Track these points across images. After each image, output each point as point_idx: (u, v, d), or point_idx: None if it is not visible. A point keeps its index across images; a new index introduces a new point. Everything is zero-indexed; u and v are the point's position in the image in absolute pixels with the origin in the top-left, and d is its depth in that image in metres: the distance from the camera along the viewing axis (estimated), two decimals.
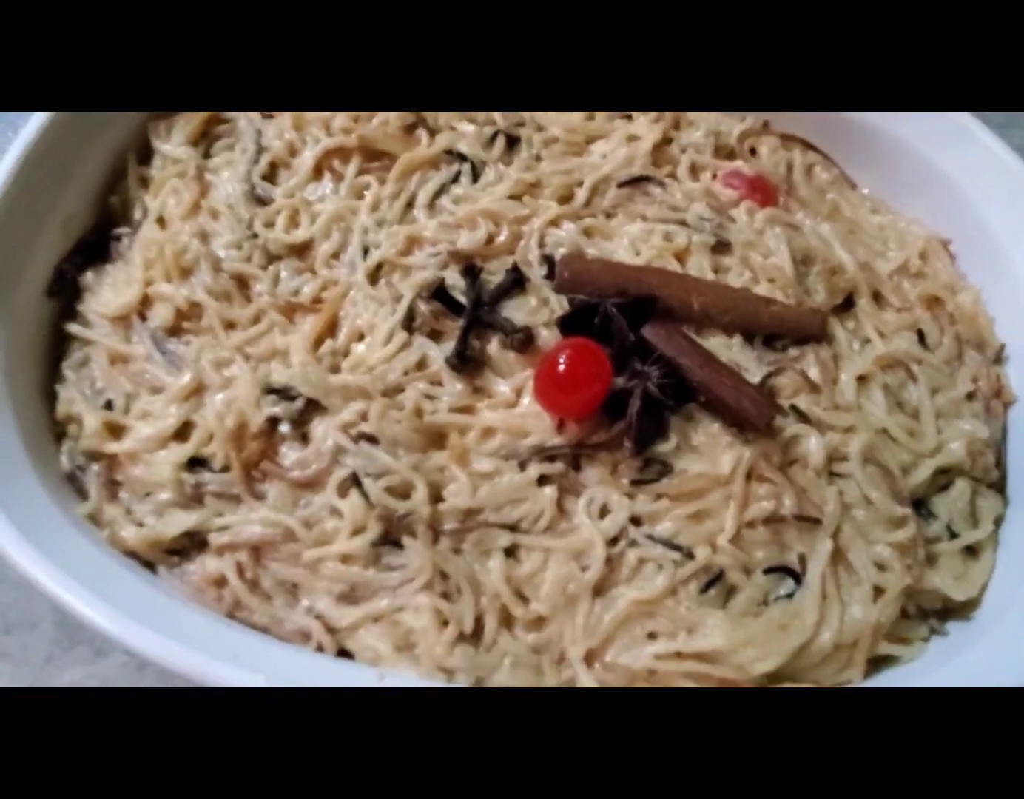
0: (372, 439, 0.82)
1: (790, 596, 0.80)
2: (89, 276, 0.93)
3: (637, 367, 0.85)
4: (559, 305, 0.89)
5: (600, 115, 1.09)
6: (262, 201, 0.98)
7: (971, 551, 0.86)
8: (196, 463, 0.83)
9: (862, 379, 0.91)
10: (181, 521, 0.80)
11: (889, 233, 1.04)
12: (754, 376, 0.88)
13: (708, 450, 0.84)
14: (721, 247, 0.97)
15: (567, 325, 0.87)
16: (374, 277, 0.93)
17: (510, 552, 0.79)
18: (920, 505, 0.86)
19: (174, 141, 1.01)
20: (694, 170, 1.05)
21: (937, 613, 0.84)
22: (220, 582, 0.79)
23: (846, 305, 0.98)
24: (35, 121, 0.91)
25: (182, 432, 0.84)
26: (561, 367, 0.81)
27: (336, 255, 0.93)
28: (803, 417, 0.86)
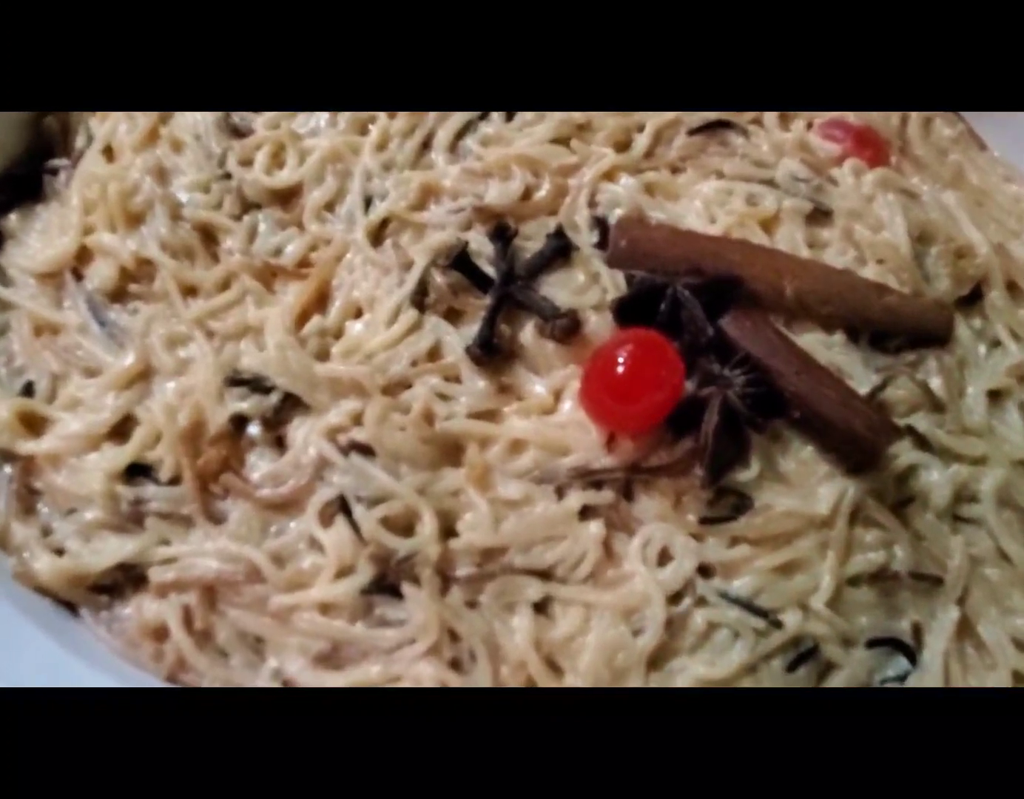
0: (367, 450, 0.68)
1: (902, 679, 0.68)
2: (13, 219, 0.79)
3: (714, 369, 0.69)
4: (613, 283, 0.74)
5: None
6: (239, 132, 0.82)
7: None
8: (137, 472, 0.69)
9: (994, 394, 0.77)
10: (113, 550, 0.67)
11: None
12: (861, 386, 0.73)
13: (800, 481, 0.70)
14: (818, 216, 0.81)
15: (625, 311, 0.71)
16: (378, 236, 0.78)
17: (541, 607, 0.67)
18: None
19: None
20: (785, 117, 0.87)
21: None
22: (160, 634, 0.65)
23: (972, 297, 0.81)
24: None
25: (121, 430, 0.71)
26: (620, 368, 0.66)
27: (330, 206, 0.80)
28: (922, 442, 0.72)
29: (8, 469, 0.70)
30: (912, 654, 0.67)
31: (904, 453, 0.70)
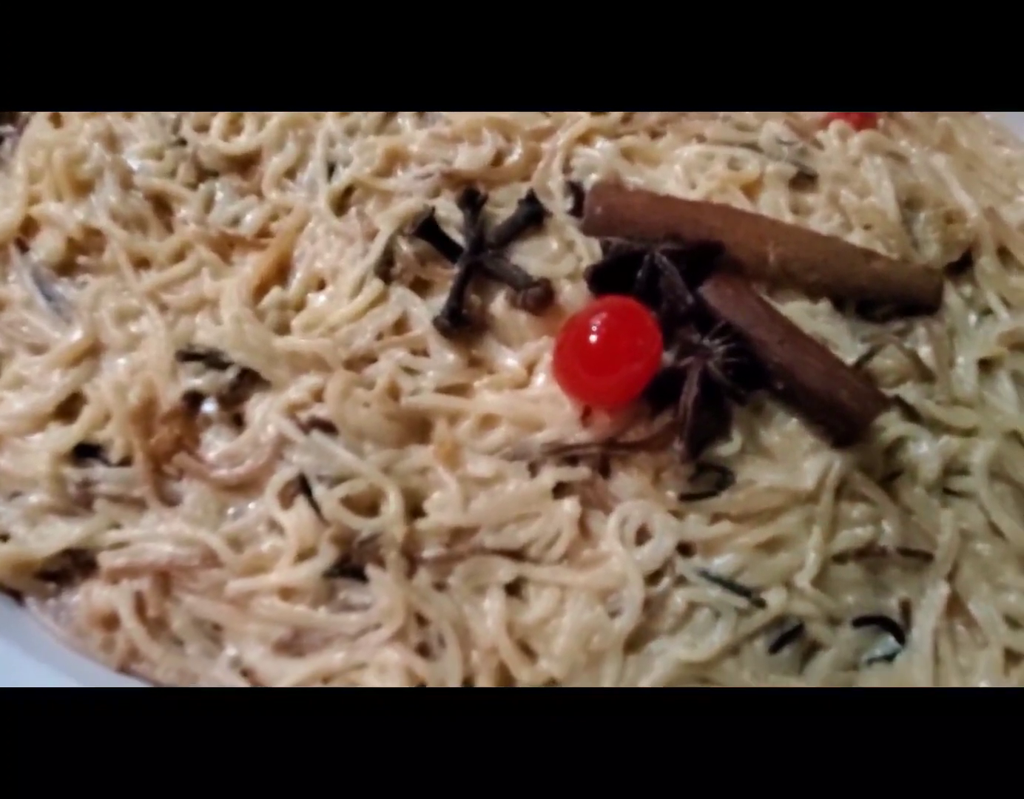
0: (329, 427, 0.66)
1: (890, 658, 0.66)
2: None
3: (694, 339, 0.67)
4: (588, 251, 0.73)
5: None
6: None
7: None
8: (86, 453, 0.67)
9: (985, 364, 0.75)
10: (60, 534, 0.65)
11: (1019, 170, 0.88)
12: (847, 355, 0.71)
13: (784, 455, 0.68)
14: (803, 180, 0.79)
15: (600, 278, 0.69)
16: (341, 204, 0.76)
17: (514, 589, 0.65)
18: None
19: None
20: None
21: None
22: (111, 622, 0.63)
23: (962, 264, 0.79)
24: None
25: (68, 409, 0.69)
26: (593, 337, 0.64)
27: (291, 173, 0.78)
28: (911, 413, 0.70)
29: None
30: (900, 633, 0.65)
31: (892, 425, 0.68)
